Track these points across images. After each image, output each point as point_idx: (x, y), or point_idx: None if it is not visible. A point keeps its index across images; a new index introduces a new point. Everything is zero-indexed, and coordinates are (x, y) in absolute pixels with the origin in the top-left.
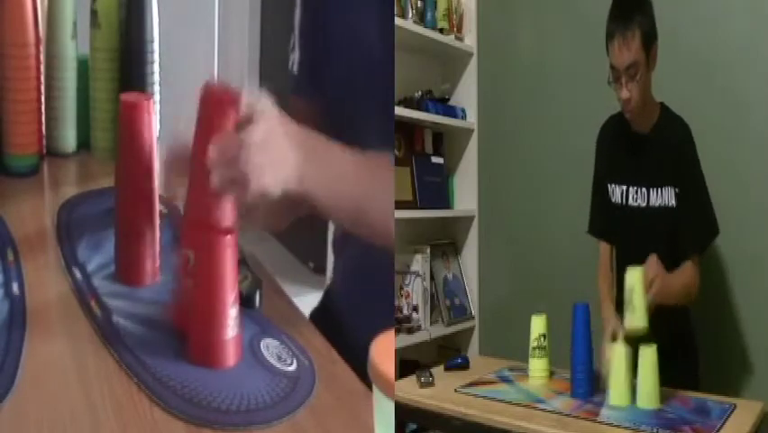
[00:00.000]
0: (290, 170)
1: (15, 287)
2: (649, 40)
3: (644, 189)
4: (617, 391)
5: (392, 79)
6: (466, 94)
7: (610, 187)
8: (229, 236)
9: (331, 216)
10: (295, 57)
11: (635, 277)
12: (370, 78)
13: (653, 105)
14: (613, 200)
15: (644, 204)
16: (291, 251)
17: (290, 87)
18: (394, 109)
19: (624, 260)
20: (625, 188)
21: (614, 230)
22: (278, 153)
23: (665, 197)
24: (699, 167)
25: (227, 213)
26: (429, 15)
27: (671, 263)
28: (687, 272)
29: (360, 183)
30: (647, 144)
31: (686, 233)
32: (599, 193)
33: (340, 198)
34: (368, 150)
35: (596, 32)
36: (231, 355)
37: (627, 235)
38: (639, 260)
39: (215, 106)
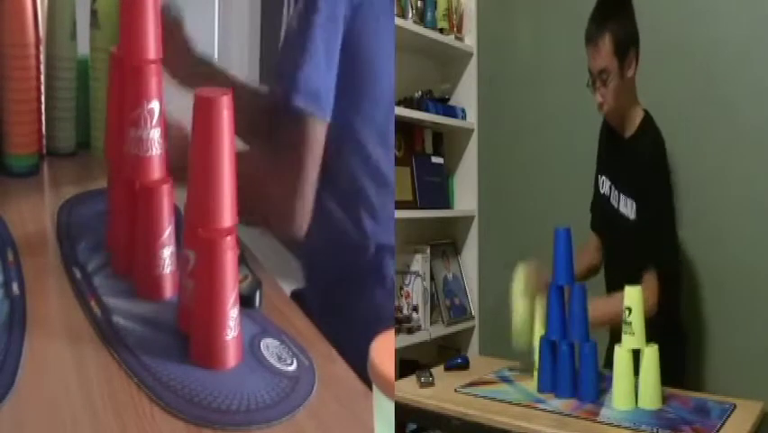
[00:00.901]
0: None
1: (15, 287)
2: (623, 46)
3: (616, 192)
4: (621, 394)
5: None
6: (466, 94)
7: (600, 178)
8: (229, 237)
9: None
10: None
11: (633, 297)
12: None
13: (634, 111)
14: (602, 191)
15: (616, 205)
16: (288, 248)
17: None
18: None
19: (606, 252)
20: (609, 183)
21: (601, 223)
22: None
23: (628, 207)
24: (665, 186)
25: (228, 214)
26: (429, 15)
27: (634, 272)
28: (646, 287)
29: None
30: (624, 150)
31: (641, 248)
32: (596, 187)
33: None
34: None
35: None
36: (232, 356)
37: (608, 231)
38: (613, 256)
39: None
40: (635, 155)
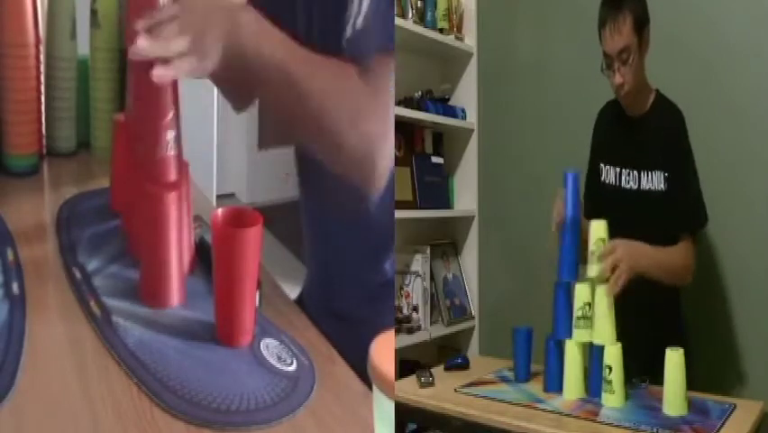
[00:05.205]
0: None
1: (15, 287)
2: (640, 23)
3: (635, 172)
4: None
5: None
6: (466, 94)
7: (604, 168)
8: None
9: (271, 99)
10: None
11: (600, 229)
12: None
13: (647, 90)
14: (607, 181)
15: (635, 186)
16: (287, 246)
17: None
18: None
19: (618, 233)
20: (618, 170)
21: (606, 211)
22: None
23: (655, 181)
24: (689, 153)
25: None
26: (429, 15)
27: (662, 246)
28: (681, 251)
29: (313, 78)
30: (641, 128)
31: (674, 216)
32: (592, 178)
33: (287, 79)
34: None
35: (596, 32)
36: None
37: (621, 217)
38: (630, 235)
39: None
40: (658, 127)
